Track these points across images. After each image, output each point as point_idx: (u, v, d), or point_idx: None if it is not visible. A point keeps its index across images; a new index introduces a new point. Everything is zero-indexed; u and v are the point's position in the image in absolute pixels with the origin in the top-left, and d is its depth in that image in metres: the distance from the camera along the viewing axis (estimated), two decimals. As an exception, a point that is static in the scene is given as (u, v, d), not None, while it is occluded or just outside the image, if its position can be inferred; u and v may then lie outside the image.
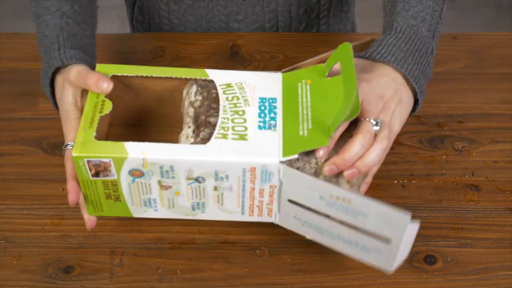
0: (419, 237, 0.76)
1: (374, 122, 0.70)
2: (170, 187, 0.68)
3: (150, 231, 0.77)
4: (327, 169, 0.68)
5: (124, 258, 0.75)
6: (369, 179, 0.74)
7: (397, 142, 0.85)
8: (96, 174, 0.67)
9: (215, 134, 0.67)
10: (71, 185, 0.70)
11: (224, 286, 0.72)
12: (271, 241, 0.75)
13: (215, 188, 0.68)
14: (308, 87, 0.72)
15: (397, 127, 0.73)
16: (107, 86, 0.70)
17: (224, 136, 0.67)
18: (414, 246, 0.75)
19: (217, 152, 0.66)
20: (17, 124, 0.87)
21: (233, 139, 0.67)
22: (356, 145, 0.69)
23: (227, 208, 0.70)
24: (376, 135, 0.70)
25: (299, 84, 0.72)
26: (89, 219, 0.72)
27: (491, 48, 0.97)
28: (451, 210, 0.79)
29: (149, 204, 0.70)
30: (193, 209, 0.71)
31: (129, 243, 0.76)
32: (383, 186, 0.81)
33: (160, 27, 1.06)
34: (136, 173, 0.67)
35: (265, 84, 0.73)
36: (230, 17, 1.01)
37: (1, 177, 0.81)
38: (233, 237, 0.76)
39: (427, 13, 0.78)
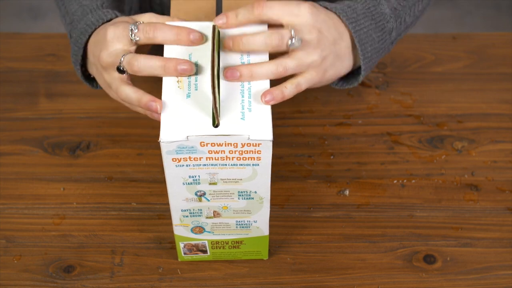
0: (418, 236, 0.77)
1: (293, 34, 0.64)
2: None
3: (151, 230, 0.77)
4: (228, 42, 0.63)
5: (124, 257, 0.75)
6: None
7: (397, 142, 0.85)
8: None
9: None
10: (149, 97, 0.63)
11: (224, 286, 0.73)
12: (271, 240, 0.75)
13: None
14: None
15: (325, 76, 0.68)
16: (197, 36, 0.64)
17: None
18: (413, 245, 0.76)
19: None
20: (17, 124, 0.87)
21: None
22: (258, 34, 0.63)
23: None
24: (292, 51, 0.65)
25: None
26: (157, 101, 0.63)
27: (491, 48, 0.97)
28: (450, 210, 0.79)
29: None
30: None
31: (129, 243, 0.76)
32: (382, 186, 0.81)
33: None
34: None
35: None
36: None
37: (1, 177, 0.81)
38: (233, 236, 0.76)
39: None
